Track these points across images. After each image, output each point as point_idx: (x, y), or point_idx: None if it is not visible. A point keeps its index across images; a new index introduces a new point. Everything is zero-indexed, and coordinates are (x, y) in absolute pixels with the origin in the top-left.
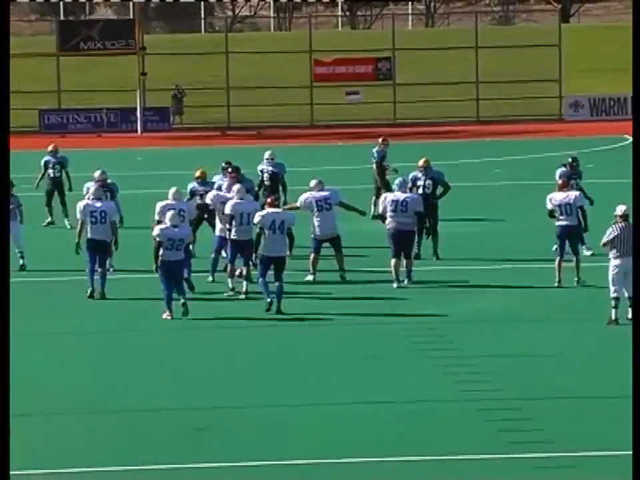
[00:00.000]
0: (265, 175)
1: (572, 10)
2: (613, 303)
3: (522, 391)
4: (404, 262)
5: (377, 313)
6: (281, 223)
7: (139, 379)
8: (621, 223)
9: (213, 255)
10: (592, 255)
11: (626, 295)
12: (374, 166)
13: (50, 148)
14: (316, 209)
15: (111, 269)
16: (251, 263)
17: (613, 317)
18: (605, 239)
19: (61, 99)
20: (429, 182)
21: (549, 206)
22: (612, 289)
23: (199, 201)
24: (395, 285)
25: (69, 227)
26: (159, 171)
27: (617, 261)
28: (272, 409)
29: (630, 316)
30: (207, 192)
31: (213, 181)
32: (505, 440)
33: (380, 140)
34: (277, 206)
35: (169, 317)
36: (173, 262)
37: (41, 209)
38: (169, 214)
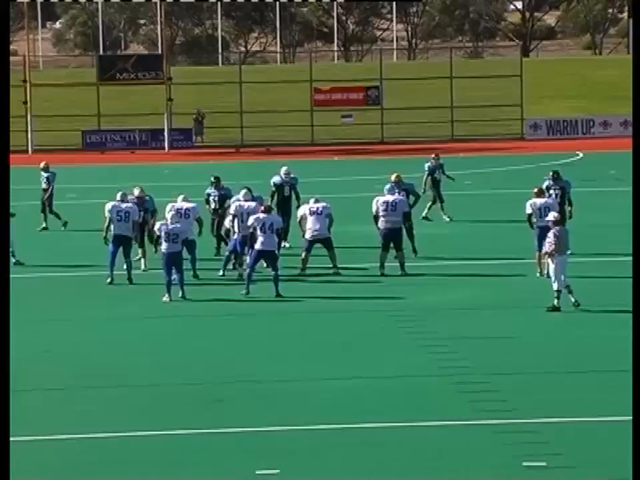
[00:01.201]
0: (286, 188)
1: (531, 46)
2: (555, 294)
3: (489, 367)
4: (393, 256)
5: (366, 302)
6: (270, 224)
7: (165, 357)
8: (555, 227)
9: (226, 253)
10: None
11: (563, 285)
12: (426, 177)
13: (41, 165)
14: (309, 214)
15: (143, 266)
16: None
17: (556, 305)
18: (551, 246)
19: (100, 122)
20: (402, 193)
21: (529, 210)
22: (555, 284)
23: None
24: (379, 272)
25: (62, 228)
26: (183, 182)
27: (558, 258)
28: (280, 383)
29: (573, 300)
30: (147, 209)
31: (206, 192)
32: (474, 409)
33: (433, 155)
34: (269, 212)
35: (168, 300)
36: (171, 253)
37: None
38: (169, 215)
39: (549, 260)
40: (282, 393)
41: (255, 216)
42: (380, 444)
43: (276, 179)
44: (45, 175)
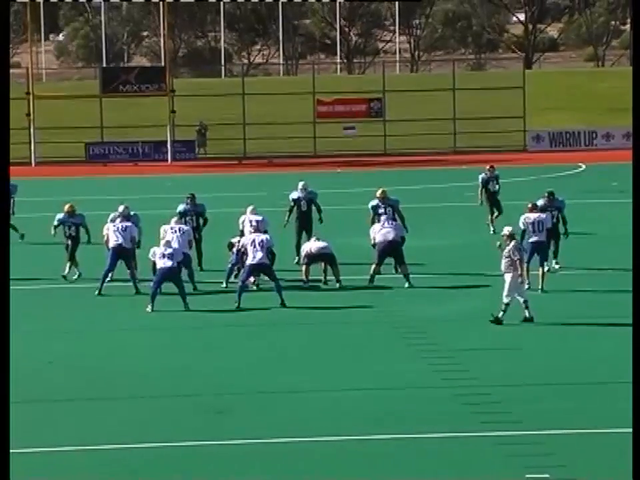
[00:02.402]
0: (303, 203)
1: (534, 58)
2: (503, 307)
3: (492, 378)
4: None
5: (369, 313)
6: (260, 241)
7: (168, 368)
8: (513, 241)
9: (229, 265)
10: (560, 267)
11: (521, 300)
12: (480, 189)
13: None
14: (314, 241)
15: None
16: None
17: (500, 317)
18: (515, 256)
19: (103, 134)
20: (389, 209)
21: (522, 226)
22: (507, 298)
23: (67, 231)
24: (368, 284)
25: (20, 240)
26: (186, 194)
27: (515, 273)
28: (283, 394)
29: (527, 315)
30: (74, 224)
31: (178, 210)
32: (477, 420)
33: (487, 167)
34: (260, 231)
35: (150, 310)
36: (166, 268)
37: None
38: (165, 239)
39: (506, 275)
40: (285, 403)
41: (244, 237)
42: (382, 454)
43: (294, 195)
44: None
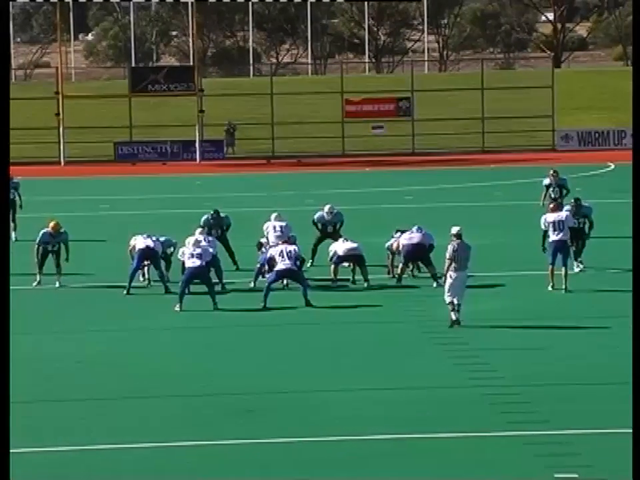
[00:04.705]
0: (329, 227)
1: (563, 57)
2: (450, 307)
3: (520, 378)
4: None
5: (397, 313)
6: (288, 251)
7: (195, 367)
8: (456, 241)
9: (257, 266)
10: (580, 271)
11: (455, 301)
12: (545, 194)
13: None
14: (342, 242)
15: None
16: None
17: (454, 318)
18: (448, 255)
19: (132, 133)
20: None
21: (543, 227)
22: (448, 299)
23: (51, 249)
24: (396, 282)
25: (14, 239)
26: (214, 194)
27: (455, 274)
28: (309, 394)
29: (454, 317)
30: (57, 242)
31: (202, 221)
32: (505, 420)
33: (551, 172)
34: (285, 236)
35: (179, 309)
36: (194, 267)
37: None
38: (190, 239)
39: (448, 275)
40: (311, 403)
41: (272, 249)
42: (411, 454)
43: (317, 215)
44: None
